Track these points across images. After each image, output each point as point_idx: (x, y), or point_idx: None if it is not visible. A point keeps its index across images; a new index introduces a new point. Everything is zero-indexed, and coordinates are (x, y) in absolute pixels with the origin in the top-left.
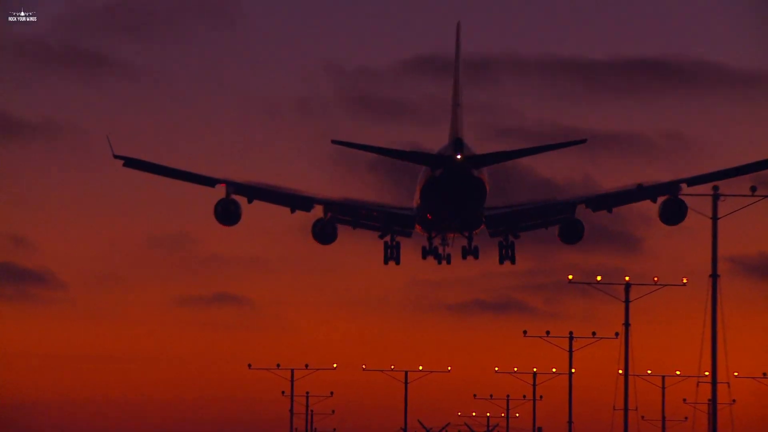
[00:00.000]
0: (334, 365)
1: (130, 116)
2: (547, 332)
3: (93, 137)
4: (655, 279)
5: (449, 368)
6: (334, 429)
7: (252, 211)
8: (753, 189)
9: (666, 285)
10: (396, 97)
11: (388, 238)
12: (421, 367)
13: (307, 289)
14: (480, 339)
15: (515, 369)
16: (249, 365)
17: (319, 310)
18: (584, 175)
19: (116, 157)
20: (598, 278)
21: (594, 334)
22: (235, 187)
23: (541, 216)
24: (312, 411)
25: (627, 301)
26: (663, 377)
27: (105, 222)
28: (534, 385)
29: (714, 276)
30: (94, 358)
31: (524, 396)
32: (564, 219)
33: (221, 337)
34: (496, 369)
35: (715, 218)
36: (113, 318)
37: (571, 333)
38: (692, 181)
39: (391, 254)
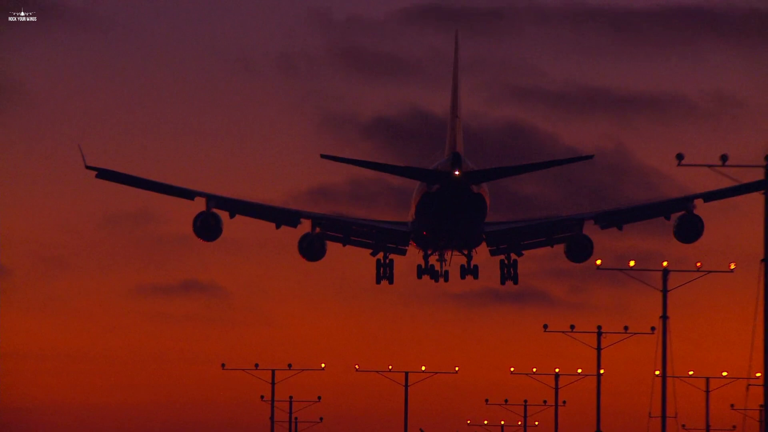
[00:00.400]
0: (322, 365)
1: (85, 75)
2: (572, 326)
3: (37, 98)
4: (698, 264)
5: (457, 369)
6: None
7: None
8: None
9: (710, 272)
10: (393, 52)
11: (380, 256)
12: (424, 368)
13: (291, 275)
14: (493, 334)
15: (534, 370)
16: (222, 365)
17: (304, 301)
18: (617, 143)
19: (89, 168)
20: (632, 263)
21: (626, 329)
22: (216, 201)
23: (545, 233)
24: (296, 419)
25: (665, 291)
26: (707, 379)
27: (51, 197)
28: (556, 388)
29: (766, 261)
30: (38, 356)
31: (545, 401)
32: (571, 236)
33: (189, 333)
34: (512, 369)
35: None
36: (60, 310)
37: (599, 328)
38: (709, 197)
39: (384, 273)
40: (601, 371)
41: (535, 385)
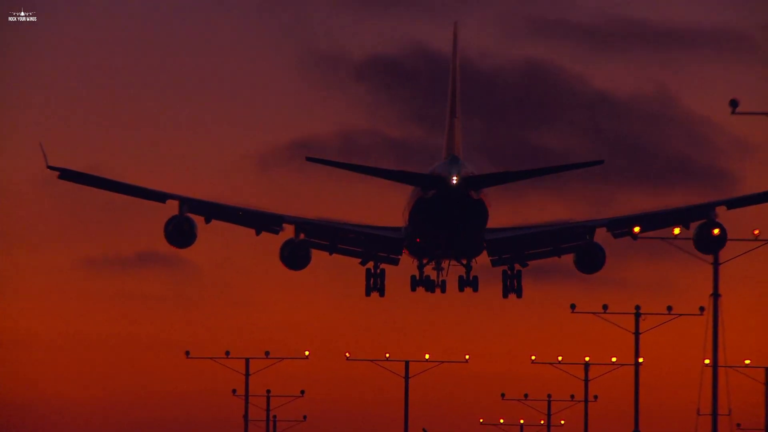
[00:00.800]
0: (306, 353)
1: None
2: (604, 307)
3: None
4: (756, 232)
5: (467, 357)
6: None
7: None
8: None
9: None
10: None
11: (371, 265)
12: (427, 356)
13: (270, 247)
14: (510, 317)
15: (559, 358)
16: (187, 353)
17: (284, 277)
18: (658, 86)
19: (50, 168)
20: (676, 231)
21: (670, 309)
22: (190, 204)
23: (553, 242)
24: (275, 417)
25: (716, 264)
26: (766, 370)
27: None
28: (586, 380)
29: None
30: None
31: (572, 396)
32: (580, 245)
33: (147, 314)
34: (533, 358)
35: None
36: None
37: (637, 308)
38: (732, 204)
39: (375, 284)
40: (640, 360)
41: (561, 377)
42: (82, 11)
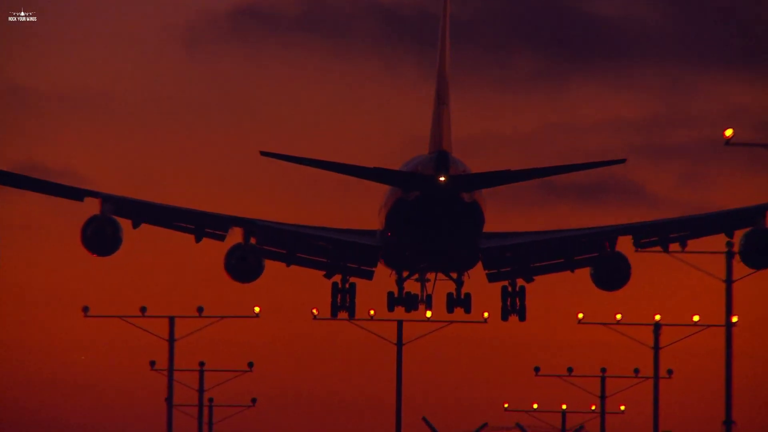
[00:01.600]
0: (256, 310)
1: None
2: (682, 243)
3: None
4: None
5: (486, 315)
6: None
7: None
8: None
9: None
10: None
11: (338, 278)
12: (429, 314)
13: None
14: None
15: (618, 318)
16: (84, 309)
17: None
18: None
19: None
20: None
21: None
22: (114, 203)
23: (565, 252)
24: (211, 400)
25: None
26: None
27: None
28: (655, 350)
29: None
30: None
31: (635, 370)
32: (600, 257)
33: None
34: (581, 317)
35: None
36: None
37: (729, 245)
38: None
39: (342, 302)
40: (734, 320)
41: (617, 343)
42: (82, 11)
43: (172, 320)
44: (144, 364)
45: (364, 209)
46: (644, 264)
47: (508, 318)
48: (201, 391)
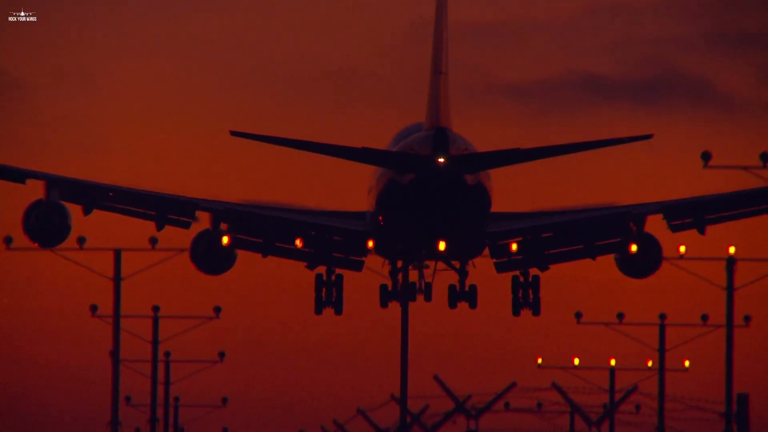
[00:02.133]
0: (224, 240)
1: None
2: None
3: None
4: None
5: (514, 248)
6: None
7: None
8: None
9: None
10: None
11: (322, 270)
12: (442, 246)
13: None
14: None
15: (682, 251)
16: (7, 240)
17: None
18: None
19: None
20: (634, 248)
21: (704, 318)
22: (61, 186)
23: (584, 236)
24: (168, 358)
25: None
26: None
27: None
28: (728, 291)
29: None
30: None
31: (703, 317)
32: (624, 241)
33: None
34: (635, 249)
35: None
36: None
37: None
38: None
39: (328, 296)
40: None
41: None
42: (82, 11)
43: (118, 254)
44: (84, 309)
45: (350, 188)
46: (718, 188)
47: (520, 312)
48: (155, 342)
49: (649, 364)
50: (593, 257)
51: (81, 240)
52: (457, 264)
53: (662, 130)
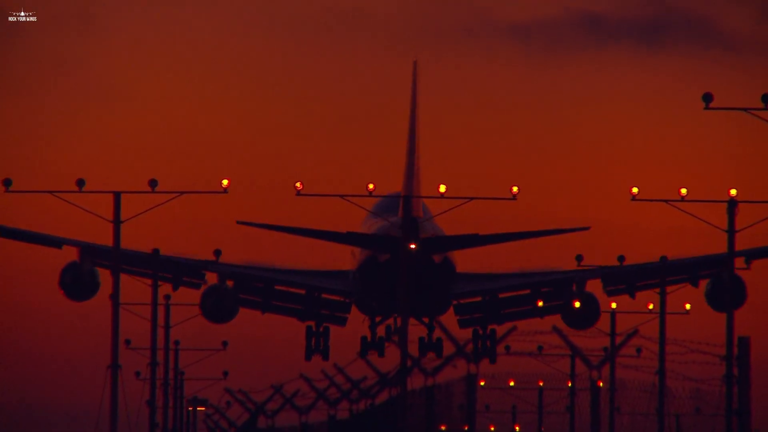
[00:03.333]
0: (224, 183)
1: None
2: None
3: None
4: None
5: (515, 191)
6: None
7: None
8: None
9: None
10: None
11: (312, 323)
12: (443, 188)
13: None
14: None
15: (684, 193)
16: (6, 182)
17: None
18: None
19: None
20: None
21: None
22: (92, 253)
23: (535, 297)
24: (168, 301)
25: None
26: None
27: None
28: (729, 233)
29: None
30: None
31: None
32: (569, 299)
33: None
34: (636, 191)
35: None
36: None
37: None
38: (753, 255)
39: (317, 345)
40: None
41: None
42: (82, 11)
43: (117, 197)
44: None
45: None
46: (719, 129)
47: (479, 361)
48: (155, 287)
49: (650, 306)
50: (542, 316)
51: (80, 182)
52: (426, 320)
53: (662, 70)
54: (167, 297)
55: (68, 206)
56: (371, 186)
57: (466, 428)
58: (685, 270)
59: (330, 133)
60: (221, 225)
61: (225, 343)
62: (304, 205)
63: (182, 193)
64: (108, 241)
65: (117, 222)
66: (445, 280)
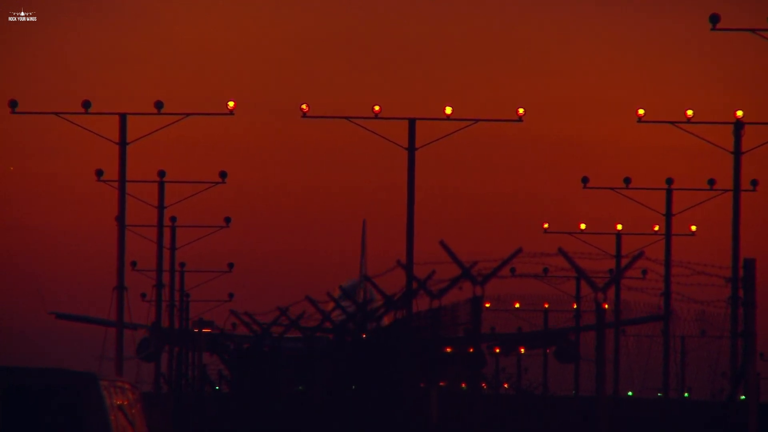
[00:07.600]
0: (230, 105)
1: None
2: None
3: None
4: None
5: (521, 112)
6: None
7: None
8: None
9: None
10: None
11: None
12: (449, 110)
13: None
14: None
15: (690, 115)
16: (12, 104)
17: None
18: None
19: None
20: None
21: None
22: (158, 334)
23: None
24: (174, 224)
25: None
26: None
27: None
28: (735, 155)
29: None
30: None
31: (709, 182)
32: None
33: None
34: (642, 113)
35: None
36: None
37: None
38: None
39: None
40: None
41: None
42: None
43: (123, 118)
44: (89, 174)
45: None
46: (726, 51)
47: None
48: (161, 208)
49: (656, 228)
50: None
51: (86, 104)
52: None
53: None
54: (173, 219)
55: (74, 128)
56: (377, 108)
57: (471, 350)
58: (532, 341)
59: (336, 53)
60: (227, 147)
61: (231, 265)
62: (310, 128)
63: (188, 115)
64: (114, 163)
65: (123, 144)
66: None
